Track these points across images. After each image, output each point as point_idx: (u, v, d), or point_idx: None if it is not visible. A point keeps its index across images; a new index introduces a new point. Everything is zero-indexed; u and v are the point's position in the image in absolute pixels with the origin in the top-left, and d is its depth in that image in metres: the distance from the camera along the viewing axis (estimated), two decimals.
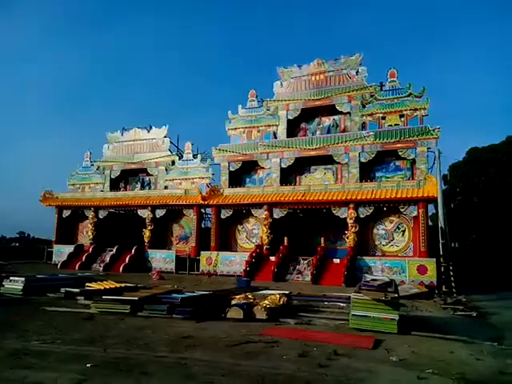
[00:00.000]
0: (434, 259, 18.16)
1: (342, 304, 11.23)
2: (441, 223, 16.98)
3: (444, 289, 15.66)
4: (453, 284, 15.57)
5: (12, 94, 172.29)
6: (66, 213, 29.04)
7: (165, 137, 28.55)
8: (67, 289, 11.74)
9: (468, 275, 23.13)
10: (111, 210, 28.18)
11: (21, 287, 11.92)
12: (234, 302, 9.31)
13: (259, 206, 22.80)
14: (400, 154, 21.16)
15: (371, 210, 20.37)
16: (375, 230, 21.33)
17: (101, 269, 24.05)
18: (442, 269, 16.19)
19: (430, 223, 22.45)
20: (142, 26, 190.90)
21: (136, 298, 9.19)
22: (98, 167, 30.33)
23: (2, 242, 73.18)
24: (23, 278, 12.28)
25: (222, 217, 23.98)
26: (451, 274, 15.86)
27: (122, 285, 12.41)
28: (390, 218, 21.06)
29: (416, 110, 21.42)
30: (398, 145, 21.09)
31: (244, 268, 20.79)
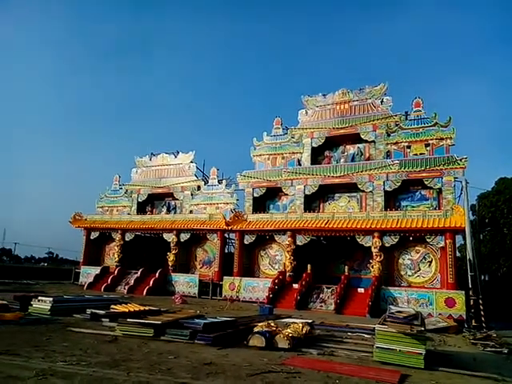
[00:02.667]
0: (463, 292, 17.61)
1: (366, 335, 10.99)
2: (469, 255, 16.52)
3: (473, 323, 15.11)
4: (483, 318, 14.99)
5: (50, 116, 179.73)
6: (94, 235, 29.74)
7: (191, 162, 29.17)
8: (93, 310, 11.94)
9: (498, 309, 22.24)
10: (137, 233, 28.70)
11: (48, 307, 12.14)
12: (256, 329, 9.27)
13: (282, 232, 22.80)
14: (426, 183, 20.93)
15: (396, 239, 20.06)
16: (401, 260, 20.93)
17: (125, 291, 24.34)
18: (472, 302, 15.68)
19: (458, 254, 21.90)
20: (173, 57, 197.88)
21: (159, 322, 9.27)
22: (126, 191, 31.11)
23: (31, 262, 75.04)
24: (51, 299, 12.53)
25: (246, 242, 24.05)
26: (481, 307, 15.30)
27: (146, 308, 12.54)
28: (416, 247, 20.67)
29: (442, 139, 21.27)
30: (424, 174, 20.89)
31: (267, 295, 20.65)
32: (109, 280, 25.81)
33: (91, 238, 29.84)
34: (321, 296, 20.38)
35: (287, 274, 22.26)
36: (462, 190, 18.79)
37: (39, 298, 12.87)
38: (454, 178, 20.37)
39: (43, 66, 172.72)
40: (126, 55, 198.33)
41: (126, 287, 24.93)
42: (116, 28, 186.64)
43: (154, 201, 31.12)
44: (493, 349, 10.73)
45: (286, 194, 25.21)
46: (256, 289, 22.44)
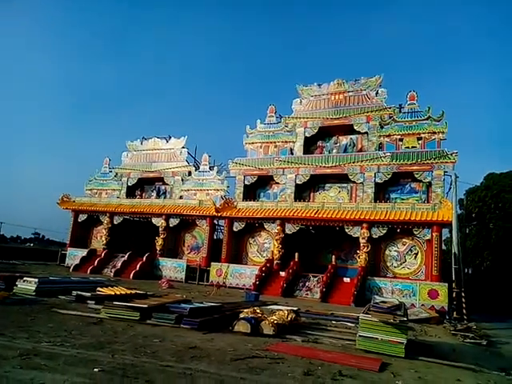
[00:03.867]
0: (446, 284, 17.93)
1: (350, 324, 11.15)
2: (454, 248, 16.76)
3: (455, 315, 15.39)
4: (464, 310, 15.29)
5: (44, 94, 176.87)
6: (82, 217, 29.54)
7: (183, 147, 29.01)
8: (78, 292, 11.90)
9: (480, 302, 22.69)
10: (126, 217, 28.56)
11: (34, 288, 12.07)
12: (241, 315, 9.34)
13: (272, 220, 22.87)
14: (416, 176, 21.08)
15: (384, 231, 20.26)
16: (387, 251, 21.17)
17: (112, 274, 24.31)
18: (454, 294, 15.94)
19: (444, 247, 22.19)
20: (166, 42, 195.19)
21: (145, 306, 9.28)
22: (116, 174, 30.87)
23: (17, 242, 74.40)
24: (36, 279, 12.45)
25: (235, 229, 24.09)
26: (463, 300, 15.59)
27: (132, 291, 12.53)
28: (403, 239, 20.91)
29: (434, 133, 21.39)
30: (415, 167, 21.03)
31: (253, 281, 20.80)
32: (95, 262, 25.74)
33: (79, 220, 29.63)
34: (307, 284, 20.58)
35: (275, 261, 22.40)
36: (451, 184, 19.02)
37: (24, 278, 12.77)
38: (444, 172, 20.56)
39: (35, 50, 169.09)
40: (120, 40, 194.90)
41: (113, 270, 24.88)
42: (112, 17, 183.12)
43: (143, 185, 30.94)
44: (472, 340, 10.97)
45: (277, 183, 25.24)
46: (243, 275, 22.57)
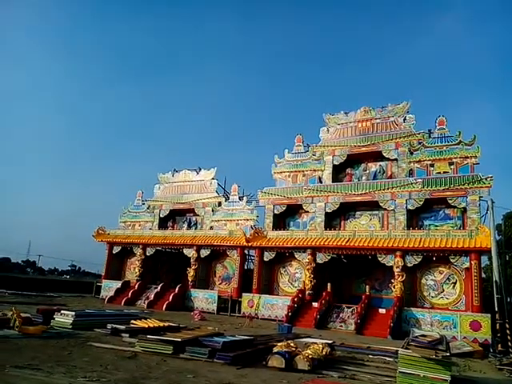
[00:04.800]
0: (489, 315, 17.06)
1: (388, 358, 10.75)
2: (495, 276, 16.06)
3: (499, 348, 14.60)
4: (509, 343, 14.47)
5: (77, 128, 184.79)
6: (116, 249, 30.18)
7: (212, 179, 29.52)
8: (113, 325, 12.05)
9: None
10: (158, 248, 28.98)
11: (70, 321, 12.30)
12: (275, 349, 9.19)
13: (302, 249, 22.65)
14: (450, 202, 20.56)
15: (419, 259, 19.66)
16: (423, 280, 20.47)
17: (145, 305, 24.50)
18: (498, 326, 15.18)
19: (484, 276, 21.26)
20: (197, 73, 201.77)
21: (179, 340, 9.29)
22: (149, 206, 31.60)
23: (54, 274, 76.43)
24: (73, 313, 12.71)
25: (265, 259, 23.97)
26: (507, 331, 14.78)
27: (166, 324, 12.57)
28: (440, 268, 20.20)
29: (466, 157, 20.94)
30: (448, 193, 20.53)
31: (286, 313, 20.45)
32: (129, 294, 26.06)
33: (113, 252, 30.29)
34: (341, 315, 20.05)
35: (307, 292, 22.02)
36: (487, 209, 18.41)
37: (62, 311, 13.08)
38: (479, 197, 19.95)
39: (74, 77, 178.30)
40: (153, 71, 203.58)
41: (146, 302, 25.10)
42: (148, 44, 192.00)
43: (175, 216, 31.46)
44: None
45: (307, 212, 25.12)
46: (275, 306, 22.26)
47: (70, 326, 12.18)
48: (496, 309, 15.42)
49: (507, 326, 14.93)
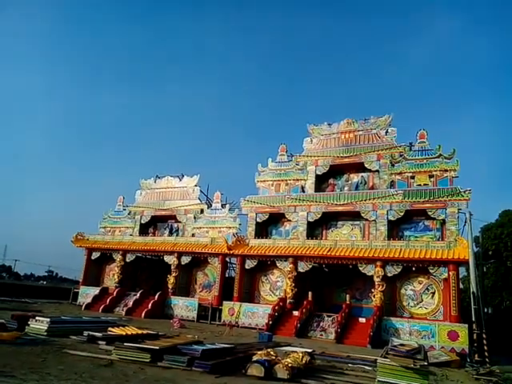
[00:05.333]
0: (466, 325, 17.36)
1: (367, 367, 10.80)
2: (473, 287, 16.34)
3: (476, 357, 14.80)
4: (486, 353, 14.70)
5: (55, 131, 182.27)
6: (95, 255, 29.65)
7: (195, 185, 29.39)
8: (90, 332, 11.79)
9: (502, 343, 21.83)
10: (138, 255, 28.61)
11: (45, 328, 11.96)
12: (255, 357, 9.13)
13: (284, 258, 22.67)
14: (429, 213, 20.91)
15: (399, 269, 19.89)
16: (403, 290, 20.69)
17: (123, 313, 24.09)
18: (475, 336, 15.37)
19: (461, 286, 21.60)
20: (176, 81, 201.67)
21: (157, 348, 9.15)
22: (130, 212, 31.22)
23: (30, 279, 74.59)
24: (48, 319, 12.37)
25: (247, 267, 23.89)
26: (484, 341, 15.03)
27: (144, 331, 12.39)
28: (419, 278, 20.46)
29: (446, 171, 21.39)
30: (428, 205, 20.89)
31: (266, 321, 20.39)
32: (107, 301, 25.57)
33: (92, 258, 29.73)
34: (321, 324, 20.08)
35: (288, 300, 22.00)
36: (465, 221, 18.76)
37: (36, 318, 12.74)
38: (458, 209, 20.35)
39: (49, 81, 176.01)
40: (138, 78, 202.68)
41: (125, 309, 24.67)
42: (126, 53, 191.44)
43: (156, 223, 31.14)
44: None
45: (289, 220, 25.20)
46: (256, 315, 22.16)
47: (45, 333, 11.87)
48: (473, 319, 15.65)
49: (484, 336, 15.19)
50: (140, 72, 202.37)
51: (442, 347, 17.01)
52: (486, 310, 23.73)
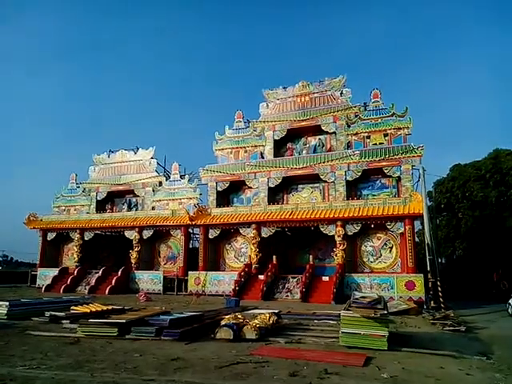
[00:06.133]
0: (422, 275, 18.30)
1: (331, 322, 11.18)
2: (427, 239, 17.17)
3: (432, 304, 15.72)
4: (441, 299, 15.64)
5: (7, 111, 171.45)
6: (51, 235, 28.57)
7: (151, 158, 28.59)
8: (52, 312, 11.46)
9: (455, 290, 23.30)
10: (97, 232, 27.86)
11: (5, 311, 11.69)
12: (223, 322, 9.21)
13: (247, 225, 22.78)
14: (385, 171, 21.50)
15: (359, 227, 20.51)
16: (363, 247, 21.44)
17: (86, 291, 23.61)
18: (430, 284, 16.29)
19: (417, 239, 22.68)
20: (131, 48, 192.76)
21: (123, 321, 9.02)
22: (84, 189, 30.09)
23: None
24: (7, 302, 12.06)
25: (210, 236, 23.86)
26: (439, 289, 15.95)
27: (109, 307, 12.18)
28: (378, 234, 21.23)
29: (400, 129, 21.90)
30: (383, 163, 21.44)
31: (233, 287, 20.64)
32: (68, 281, 24.92)
33: (48, 238, 28.63)
34: (287, 286, 20.58)
35: (253, 266, 22.30)
36: (419, 177, 19.51)
37: None
38: (412, 166, 21.04)
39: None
40: (83, 46, 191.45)
41: (87, 287, 24.19)
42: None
43: (114, 198, 30.27)
44: (451, 328, 11.20)
45: (250, 187, 25.19)
46: (222, 282, 22.37)
47: (5, 317, 11.57)
48: (428, 269, 16.53)
49: (438, 284, 16.12)
50: (83, 36, 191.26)
51: (401, 297, 17.91)
52: (439, 260, 25.14)
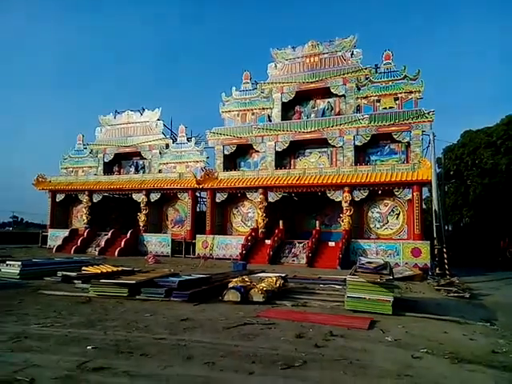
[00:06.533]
0: (428, 242, 18.37)
1: (337, 286, 11.36)
2: (435, 206, 17.12)
3: (437, 271, 15.85)
4: (446, 266, 15.77)
5: (12, 75, 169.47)
6: (60, 197, 28.89)
7: (158, 120, 28.33)
8: (64, 272, 11.75)
9: (461, 257, 23.46)
10: (105, 194, 28.09)
11: (18, 271, 11.93)
12: (230, 285, 9.38)
13: (254, 189, 22.80)
14: (395, 137, 21.17)
15: (366, 194, 20.45)
16: (370, 213, 21.48)
17: (96, 253, 24.10)
18: (436, 251, 16.37)
19: (424, 206, 22.62)
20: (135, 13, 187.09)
21: (134, 282, 9.21)
22: (91, 150, 30.09)
23: None
24: (20, 262, 12.29)
25: (217, 200, 23.97)
26: (445, 256, 16.04)
27: (119, 268, 12.45)
28: (385, 201, 21.19)
29: (411, 92, 21.35)
30: (393, 128, 21.06)
31: (240, 251, 20.92)
32: (78, 242, 25.40)
33: (57, 200, 28.97)
34: (293, 251, 20.82)
35: (260, 230, 22.50)
36: (429, 143, 19.18)
37: (7, 262, 12.56)
38: (422, 131, 20.65)
39: None
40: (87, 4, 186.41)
41: (97, 249, 24.67)
42: None
43: (121, 160, 30.31)
44: (455, 294, 11.33)
45: (257, 151, 25.01)
46: (229, 246, 22.66)
47: (18, 277, 11.83)
48: (435, 235, 16.56)
49: (444, 250, 16.19)
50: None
51: (406, 263, 18.07)
52: (446, 228, 25.18)
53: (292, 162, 24.78)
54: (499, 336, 6.61)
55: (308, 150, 24.42)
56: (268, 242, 21.19)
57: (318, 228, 21.63)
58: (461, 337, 6.43)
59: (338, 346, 5.67)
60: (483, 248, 25.37)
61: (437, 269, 15.99)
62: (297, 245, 21.11)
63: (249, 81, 25.79)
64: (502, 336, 6.61)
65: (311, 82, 23.72)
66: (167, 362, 4.81)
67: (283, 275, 11.64)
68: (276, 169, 23.24)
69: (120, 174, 29.48)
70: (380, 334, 6.38)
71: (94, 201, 27.82)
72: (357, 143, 22.00)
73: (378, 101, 22.07)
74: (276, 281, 9.88)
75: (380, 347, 5.68)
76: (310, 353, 5.27)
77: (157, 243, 25.06)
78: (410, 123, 20.73)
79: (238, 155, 25.93)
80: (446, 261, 15.89)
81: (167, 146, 27.68)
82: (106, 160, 29.54)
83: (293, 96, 24.28)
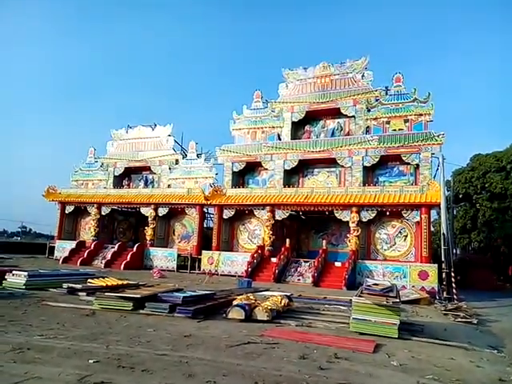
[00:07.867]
0: (436, 265, 18.12)
1: (342, 307, 11.24)
2: (443, 229, 16.93)
3: (445, 295, 15.62)
4: (454, 290, 15.52)
5: (22, 89, 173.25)
6: (69, 209, 29.16)
7: (169, 135, 28.65)
8: (70, 284, 11.78)
9: (469, 282, 23.07)
10: (114, 207, 28.29)
11: (23, 281, 11.96)
12: (235, 302, 9.33)
13: (262, 206, 22.82)
14: (404, 158, 21.15)
15: (374, 214, 20.35)
16: (377, 235, 21.33)
17: (102, 265, 24.14)
18: (444, 275, 16.14)
19: (432, 229, 22.41)
20: (147, 26, 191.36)
21: (138, 296, 9.21)
22: (102, 164, 30.43)
23: (3, 236, 73.39)
24: (26, 273, 12.33)
25: (225, 217, 24.00)
26: (452, 280, 15.81)
27: (124, 282, 12.43)
28: (393, 222, 21.06)
29: (421, 115, 21.39)
30: (402, 150, 21.07)
31: (245, 268, 20.82)
32: (85, 254, 25.48)
33: (66, 212, 29.25)
34: (299, 270, 20.67)
35: (266, 248, 22.42)
36: (438, 165, 19.12)
37: (14, 272, 12.62)
38: (431, 153, 20.59)
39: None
40: (104, 20, 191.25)
41: (103, 261, 24.71)
42: None
43: (131, 174, 30.58)
44: (463, 319, 11.14)
45: (266, 169, 25.11)
46: (235, 263, 22.58)
47: (24, 287, 11.86)
48: (443, 259, 16.35)
49: (452, 274, 15.93)
50: (100, 9, 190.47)
51: (413, 286, 17.80)
52: (454, 251, 24.86)
53: (300, 181, 24.82)
54: (507, 364, 6.48)
55: (317, 170, 24.45)
56: (274, 260, 21.07)
57: (324, 247, 21.49)
58: (468, 363, 6.31)
59: (342, 368, 5.59)
60: (493, 272, 24.96)
61: (444, 293, 15.75)
62: (303, 264, 20.96)
63: (260, 100, 26.08)
64: (509, 364, 6.47)
65: (321, 103, 23.92)
66: (168, 378, 4.78)
67: (288, 294, 11.55)
68: (284, 187, 23.27)
69: (129, 187, 29.71)
70: (385, 358, 6.29)
71: (103, 213, 28.02)
72: (365, 164, 22.00)
73: (388, 122, 22.14)
74: (281, 300, 9.82)
75: (385, 372, 5.60)
76: (314, 375, 5.21)
77: (163, 257, 25.06)
78: (419, 145, 20.72)
79: (246, 172, 26.05)
80: (453, 285, 15.64)
81: (177, 161, 27.92)
82: (116, 174, 29.84)
83: (303, 115, 24.47)
